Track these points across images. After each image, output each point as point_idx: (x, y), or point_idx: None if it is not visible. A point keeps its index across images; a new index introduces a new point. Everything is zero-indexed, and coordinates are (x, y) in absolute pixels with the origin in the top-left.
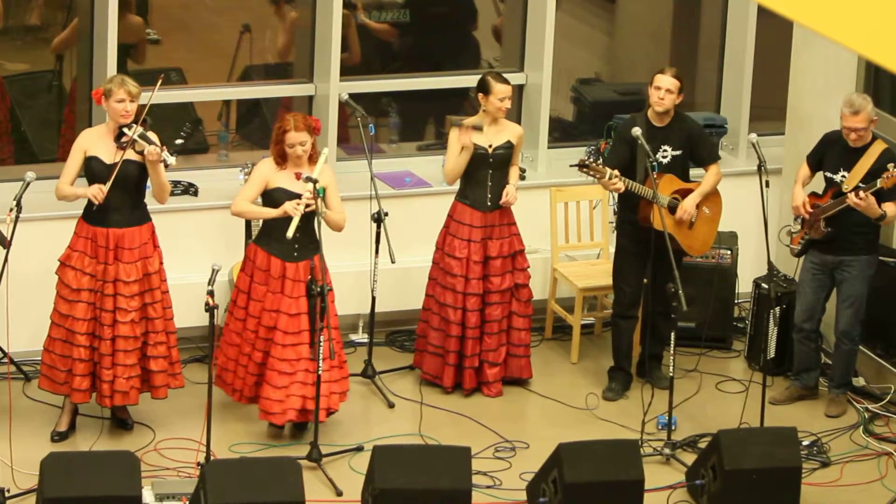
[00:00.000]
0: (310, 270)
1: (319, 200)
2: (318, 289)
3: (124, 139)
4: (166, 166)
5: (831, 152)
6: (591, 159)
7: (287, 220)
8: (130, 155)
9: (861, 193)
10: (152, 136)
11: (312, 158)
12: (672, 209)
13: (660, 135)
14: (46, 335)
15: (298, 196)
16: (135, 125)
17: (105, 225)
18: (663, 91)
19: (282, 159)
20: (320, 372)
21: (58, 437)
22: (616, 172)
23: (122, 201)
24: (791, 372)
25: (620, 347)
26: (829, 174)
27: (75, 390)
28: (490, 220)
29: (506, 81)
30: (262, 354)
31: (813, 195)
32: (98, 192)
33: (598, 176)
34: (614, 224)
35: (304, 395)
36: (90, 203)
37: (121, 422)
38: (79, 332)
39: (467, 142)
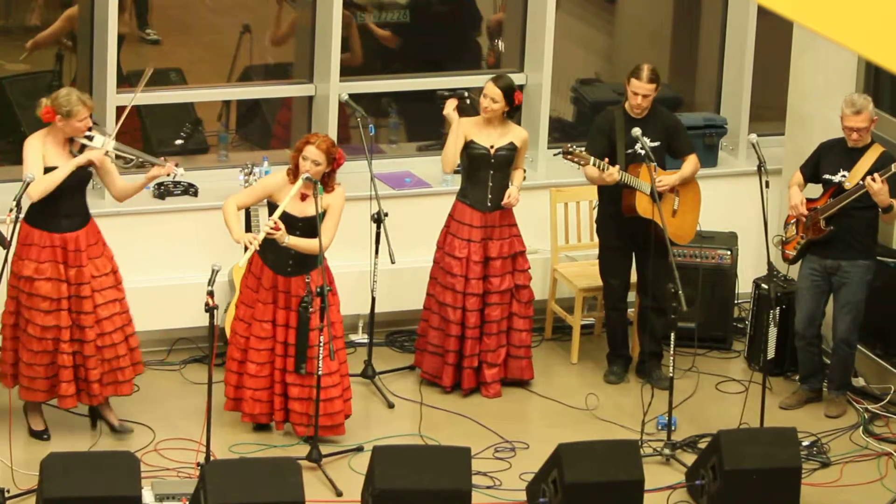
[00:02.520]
0: (304, 286)
1: (282, 232)
2: (319, 289)
3: (85, 151)
4: (191, 193)
5: (828, 157)
6: (573, 145)
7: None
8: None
9: (877, 176)
10: (128, 149)
11: (329, 186)
12: (654, 196)
13: (638, 126)
14: (24, 350)
15: (296, 218)
16: (104, 137)
17: (71, 230)
18: (640, 97)
19: (294, 170)
20: (320, 373)
21: (46, 436)
22: (606, 162)
23: (80, 204)
24: (792, 373)
25: (616, 336)
26: (827, 176)
27: (63, 396)
28: (490, 220)
29: (496, 83)
30: (258, 367)
31: (808, 200)
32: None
33: (581, 163)
34: (595, 220)
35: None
36: (47, 212)
37: (115, 428)
38: (63, 340)
39: (448, 111)
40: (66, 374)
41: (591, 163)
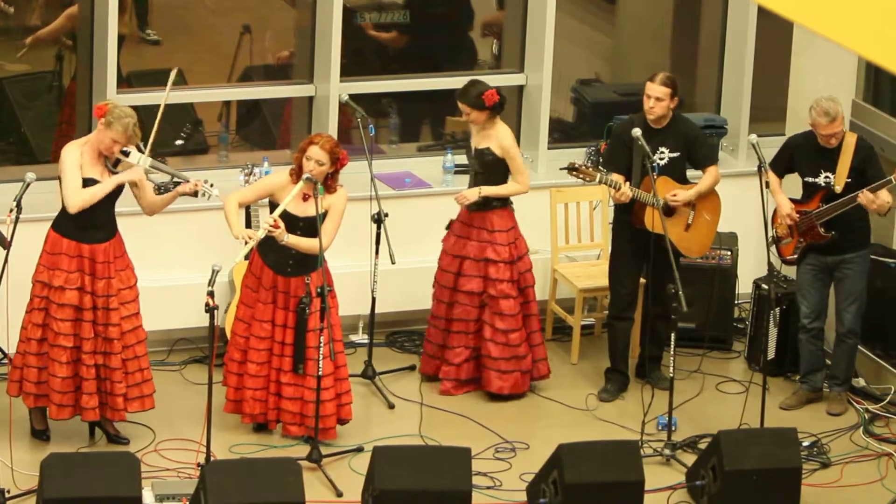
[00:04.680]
0: (304, 287)
1: (281, 230)
2: (319, 290)
3: (119, 166)
4: (177, 185)
5: (802, 156)
6: (581, 162)
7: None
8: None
9: (869, 194)
10: (163, 166)
11: (331, 189)
12: (667, 210)
13: (657, 136)
14: (55, 364)
15: (297, 218)
16: (140, 154)
17: (101, 241)
18: (652, 100)
19: (298, 171)
20: (320, 374)
21: (46, 436)
22: (619, 179)
23: (109, 217)
24: (792, 373)
25: (616, 349)
26: (809, 179)
27: (85, 409)
28: (469, 219)
29: (465, 101)
30: (258, 367)
31: (793, 202)
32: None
33: (587, 179)
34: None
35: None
36: (81, 223)
37: (112, 438)
38: (85, 352)
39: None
40: (89, 387)
41: (598, 179)
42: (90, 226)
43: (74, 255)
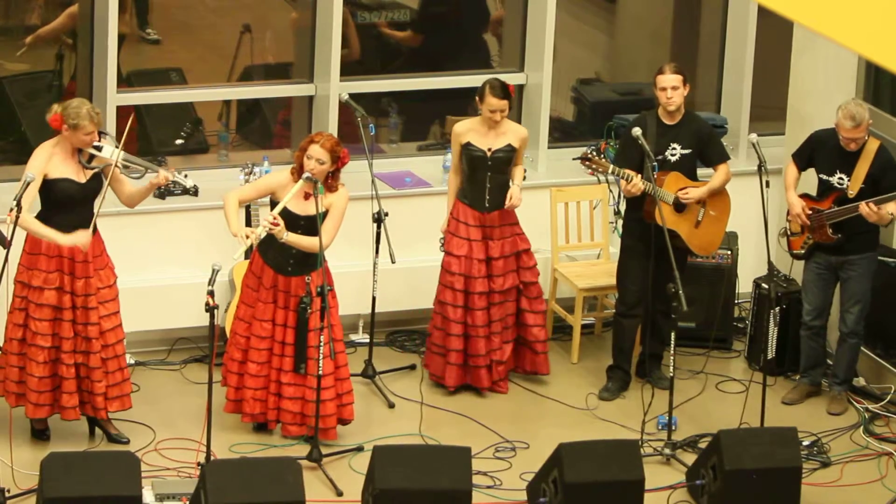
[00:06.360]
0: (304, 286)
1: (281, 227)
2: (319, 289)
3: (94, 162)
4: (191, 192)
5: (822, 153)
6: (594, 152)
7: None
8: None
9: (873, 206)
10: (136, 159)
11: (332, 188)
12: (678, 206)
13: (670, 133)
14: (31, 363)
15: (298, 216)
16: (113, 148)
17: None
18: (669, 90)
19: (299, 170)
20: (321, 373)
21: (46, 436)
22: (631, 172)
23: (89, 216)
24: (792, 373)
25: (622, 347)
26: (824, 177)
27: (65, 408)
28: (489, 220)
29: (504, 96)
30: (259, 367)
31: (808, 198)
32: (88, 239)
33: (600, 170)
34: (615, 224)
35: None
36: (56, 223)
37: (112, 438)
38: (64, 351)
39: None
40: (69, 386)
41: (610, 171)
42: (68, 225)
43: (53, 255)
